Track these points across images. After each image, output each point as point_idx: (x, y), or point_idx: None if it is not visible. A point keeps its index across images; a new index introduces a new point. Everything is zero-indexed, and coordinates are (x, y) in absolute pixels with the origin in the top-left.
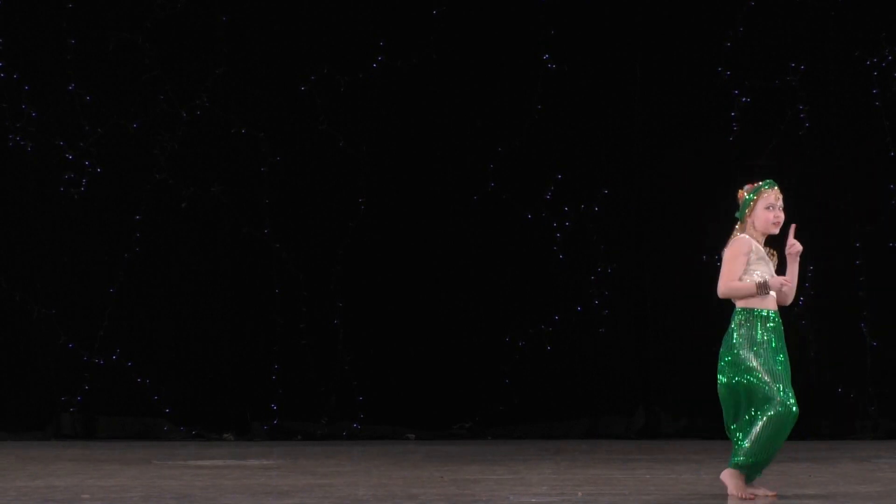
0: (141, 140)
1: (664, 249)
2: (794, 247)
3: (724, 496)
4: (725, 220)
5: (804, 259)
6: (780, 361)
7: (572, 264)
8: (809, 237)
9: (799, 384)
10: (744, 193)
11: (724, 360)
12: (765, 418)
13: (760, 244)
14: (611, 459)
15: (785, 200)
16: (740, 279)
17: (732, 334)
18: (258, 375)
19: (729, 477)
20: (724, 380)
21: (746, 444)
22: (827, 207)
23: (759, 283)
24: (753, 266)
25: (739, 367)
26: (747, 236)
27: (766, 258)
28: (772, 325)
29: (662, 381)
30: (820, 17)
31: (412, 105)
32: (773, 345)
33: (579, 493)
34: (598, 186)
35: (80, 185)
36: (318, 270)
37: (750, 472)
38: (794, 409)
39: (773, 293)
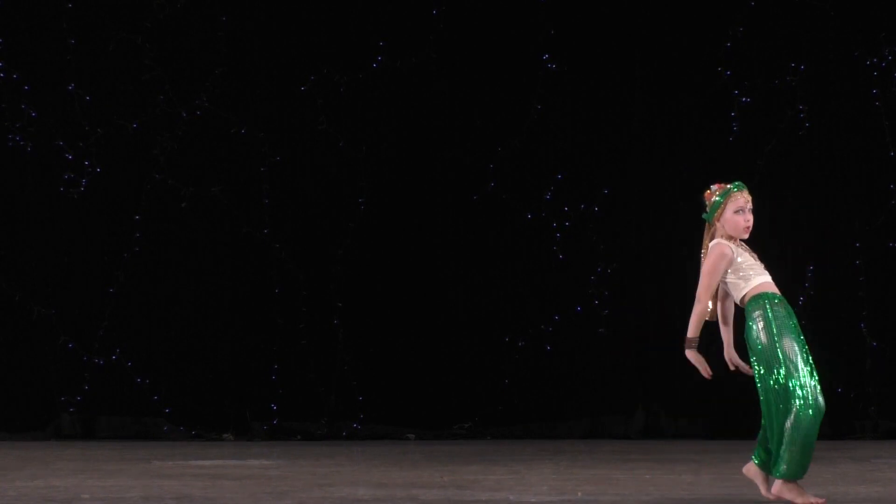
0: (141, 140)
1: (664, 249)
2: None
3: (724, 496)
4: None
5: (802, 258)
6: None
7: (572, 264)
8: (809, 237)
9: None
10: (712, 195)
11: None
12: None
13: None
14: (611, 459)
15: (786, 200)
16: (731, 283)
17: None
18: (258, 375)
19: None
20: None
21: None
22: (827, 207)
23: (692, 338)
24: (741, 263)
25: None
26: (723, 241)
27: (748, 250)
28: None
29: (662, 381)
30: (820, 17)
31: (412, 105)
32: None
33: (579, 494)
34: (598, 186)
35: (80, 185)
36: (318, 270)
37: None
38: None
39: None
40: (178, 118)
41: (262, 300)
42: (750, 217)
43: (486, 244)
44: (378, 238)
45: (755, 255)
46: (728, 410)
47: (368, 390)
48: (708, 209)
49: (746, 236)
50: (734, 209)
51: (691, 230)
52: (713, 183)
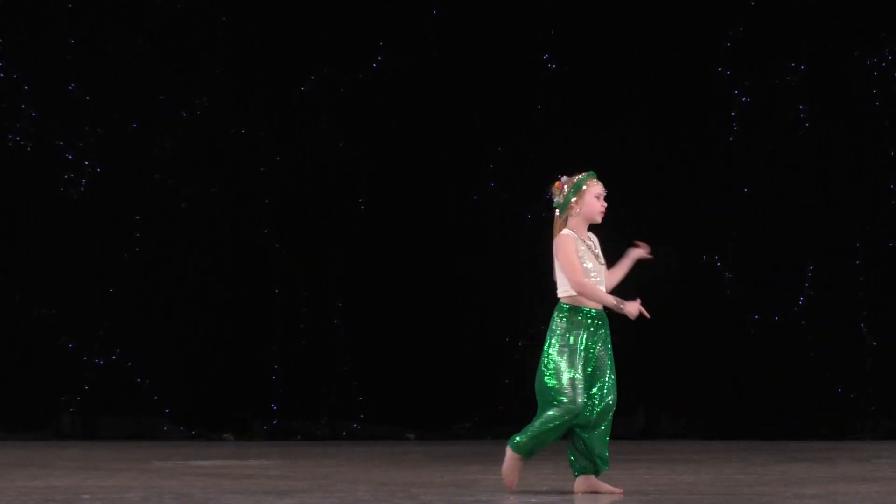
0: (141, 140)
1: (664, 249)
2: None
3: (725, 496)
4: (725, 219)
5: (802, 258)
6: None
7: None
8: (809, 237)
9: (799, 384)
10: (563, 185)
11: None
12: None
13: (582, 232)
14: (611, 459)
15: (786, 200)
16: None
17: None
18: (258, 375)
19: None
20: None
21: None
22: (827, 207)
23: (618, 304)
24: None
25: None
26: (571, 232)
27: (590, 248)
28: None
29: (662, 381)
30: (820, 17)
31: (412, 105)
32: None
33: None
34: None
35: (80, 185)
36: (318, 270)
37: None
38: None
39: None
40: (179, 118)
41: (262, 300)
42: (605, 204)
43: (486, 244)
44: (378, 238)
45: (597, 252)
46: (728, 411)
47: (368, 390)
48: (561, 199)
49: (600, 220)
50: (594, 194)
51: (691, 230)
52: (561, 176)
